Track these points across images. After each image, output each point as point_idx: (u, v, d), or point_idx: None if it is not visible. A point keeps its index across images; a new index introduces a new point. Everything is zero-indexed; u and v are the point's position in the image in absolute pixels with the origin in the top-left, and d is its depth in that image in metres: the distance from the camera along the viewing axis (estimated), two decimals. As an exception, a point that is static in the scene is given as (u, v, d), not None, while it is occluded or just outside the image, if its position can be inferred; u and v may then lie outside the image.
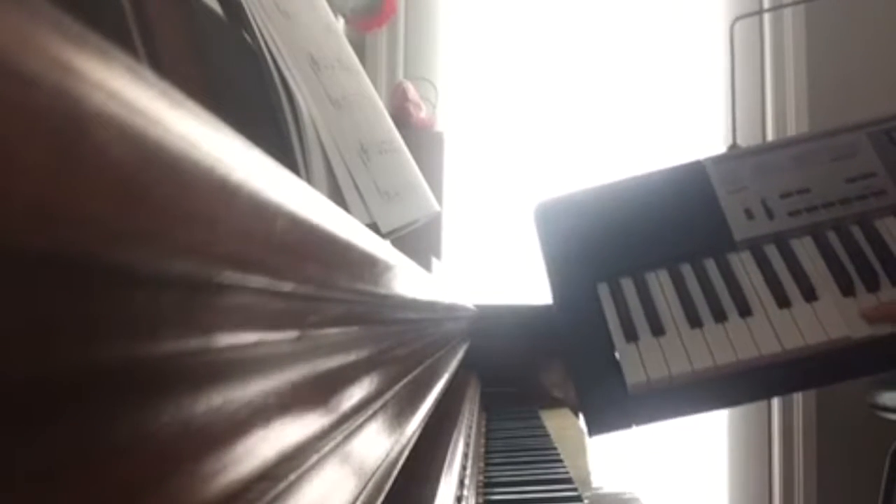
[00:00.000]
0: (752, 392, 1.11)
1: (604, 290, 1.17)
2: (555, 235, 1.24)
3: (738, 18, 1.52)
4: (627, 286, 1.17)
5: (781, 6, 1.93)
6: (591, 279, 1.18)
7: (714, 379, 1.06)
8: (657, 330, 1.11)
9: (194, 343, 0.12)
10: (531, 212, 1.28)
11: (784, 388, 1.15)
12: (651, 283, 1.17)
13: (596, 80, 2.06)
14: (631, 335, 1.12)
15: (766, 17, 1.98)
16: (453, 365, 0.81)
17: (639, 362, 1.08)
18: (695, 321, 1.11)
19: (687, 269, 1.17)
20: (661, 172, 1.27)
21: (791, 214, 1.19)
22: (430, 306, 0.45)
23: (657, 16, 2.07)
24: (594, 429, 1.03)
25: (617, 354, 1.10)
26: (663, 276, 1.17)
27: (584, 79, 2.06)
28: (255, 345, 0.16)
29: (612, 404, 1.06)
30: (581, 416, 1.06)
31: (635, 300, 1.15)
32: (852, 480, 1.89)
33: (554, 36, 2.07)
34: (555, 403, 1.36)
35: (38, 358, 0.09)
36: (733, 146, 1.42)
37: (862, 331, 1.05)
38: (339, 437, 0.24)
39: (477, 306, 1.24)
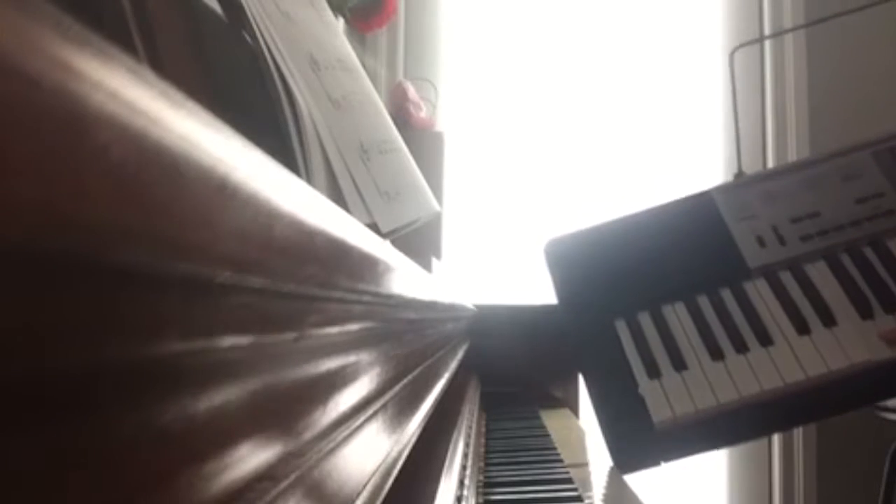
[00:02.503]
0: (779, 422, 1.11)
1: (622, 327, 1.16)
2: (567, 273, 1.24)
3: (737, 47, 1.52)
4: (645, 321, 1.16)
5: (781, 33, 1.94)
6: (608, 316, 1.17)
7: (740, 411, 1.05)
8: (679, 365, 1.10)
9: (195, 343, 0.12)
10: (542, 249, 1.27)
11: (811, 417, 1.14)
12: (669, 316, 1.16)
13: (597, 81, 2.06)
14: (653, 371, 1.10)
15: (767, 43, 1.98)
16: (453, 365, 0.81)
17: (663, 398, 1.07)
18: (716, 353, 1.10)
19: (704, 301, 1.16)
20: (669, 205, 1.26)
21: (803, 239, 1.18)
22: (430, 306, 0.45)
23: (659, 32, 2.07)
24: (623, 468, 1.01)
25: (641, 392, 1.09)
26: (680, 308, 1.16)
27: (585, 77, 2.06)
28: (255, 345, 0.16)
29: (640, 442, 1.05)
30: (610, 455, 1.04)
31: (654, 335, 1.14)
32: (852, 480, 1.89)
33: (555, 35, 2.07)
34: (555, 403, 1.36)
35: (37, 358, 0.09)
36: (739, 174, 1.41)
37: (883, 353, 1.05)
38: (340, 437, 0.24)
39: (477, 306, 1.24)
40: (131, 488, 0.11)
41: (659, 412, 1.06)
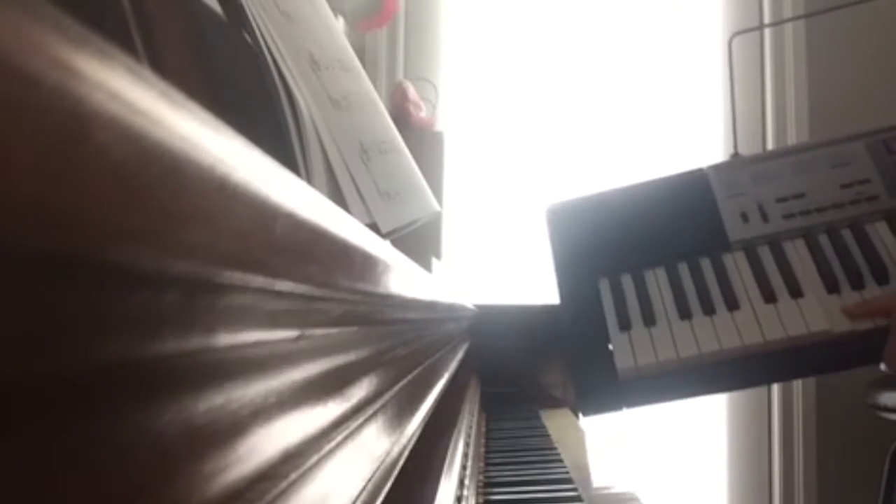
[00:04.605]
0: (734, 380, 1.17)
1: (604, 285, 1.24)
2: (564, 235, 1.31)
3: (735, 34, 1.53)
4: (626, 282, 1.24)
5: (780, 22, 1.94)
6: (595, 276, 1.26)
7: (699, 367, 1.13)
8: (649, 321, 1.18)
9: (195, 343, 0.12)
10: (543, 212, 1.34)
11: (766, 378, 1.26)
12: (648, 278, 1.24)
13: (597, 82, 2.06)
14: (624, 325, 1.19)
15: (767, 31, 2.00)
16: (453, 365, 0.81)
17: (629, 349, 1.16)
18: (685, 313, 1.18)
19: (683, 268, 1.23)
20: (665, 179, 1.33)
21: (785, 217, 1.24)
22: (430, 306, 0.45)
23: (659, 25, 2.07)
24: (586, 409, 1.11)
25: (611, 343, 1.17)
26: (660, 273, 1.24)
27: (585, 78, 2.06)
28: (256, 345, 0.16)
29: (605, 387, 1.14)
30: (576, 398, 1.14)
31: (632, 294, 1.22)
32: (852, 480, 1.89)
33: (555, 36, 2.07)
34: (555, 403, 1.36)
35: (38, 358, 0.09)
36: (735, 155, 1.44)
37: (843, 325, 1.09)
38: (339, 437, 0.24)
39: (477, 306, 1.24)
40: (131, 488, 0.11)
41: (623, 360, 1.15)
